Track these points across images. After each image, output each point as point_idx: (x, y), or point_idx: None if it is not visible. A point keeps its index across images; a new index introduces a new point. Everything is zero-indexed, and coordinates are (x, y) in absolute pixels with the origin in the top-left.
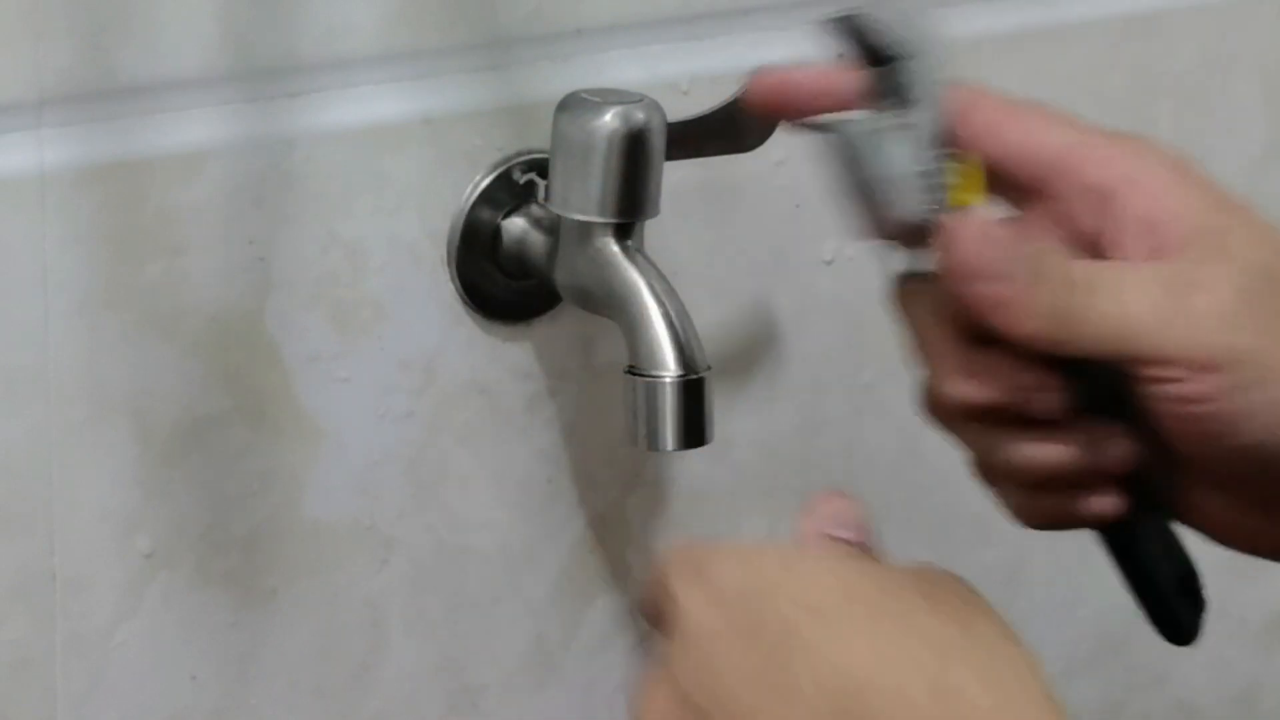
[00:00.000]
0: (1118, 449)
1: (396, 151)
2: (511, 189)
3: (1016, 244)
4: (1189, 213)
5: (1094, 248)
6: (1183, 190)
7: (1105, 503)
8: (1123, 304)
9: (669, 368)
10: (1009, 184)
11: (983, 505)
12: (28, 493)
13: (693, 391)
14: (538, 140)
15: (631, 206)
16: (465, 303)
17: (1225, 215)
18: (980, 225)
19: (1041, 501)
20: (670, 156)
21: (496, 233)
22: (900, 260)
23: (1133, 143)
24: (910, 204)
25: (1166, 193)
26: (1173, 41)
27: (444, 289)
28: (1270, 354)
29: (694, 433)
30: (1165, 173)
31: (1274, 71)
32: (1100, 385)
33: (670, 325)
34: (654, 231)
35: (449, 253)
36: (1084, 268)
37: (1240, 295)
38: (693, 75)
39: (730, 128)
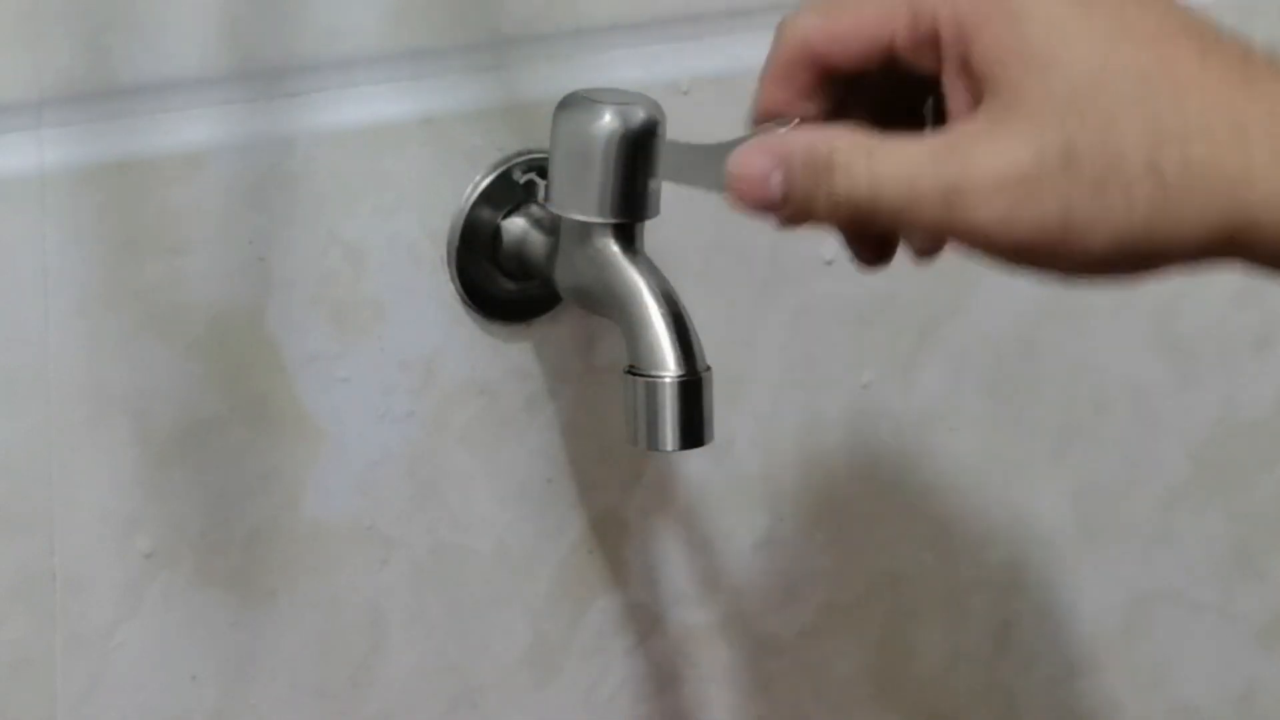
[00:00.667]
0: None
1: (396, 151)
2: (511, 189)
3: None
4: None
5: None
6: None
7: None
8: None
9: (669, 368)
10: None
11: (983, 506)
12: (28, 493)
13: (693, 391)
14: (538, 140)
15: (631, 207)
16: (465, 303)
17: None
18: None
19: None
20: (662, 176)
21: (496, 233)
22: None
23: None
24: None
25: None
26: None
27: (444, 289)
28: None
29: (694, 433)
30: None
31: None
32: None
33: (670, 325)
34: (654, 231)
35: (449, 253)
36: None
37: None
38: (693, 75)
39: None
